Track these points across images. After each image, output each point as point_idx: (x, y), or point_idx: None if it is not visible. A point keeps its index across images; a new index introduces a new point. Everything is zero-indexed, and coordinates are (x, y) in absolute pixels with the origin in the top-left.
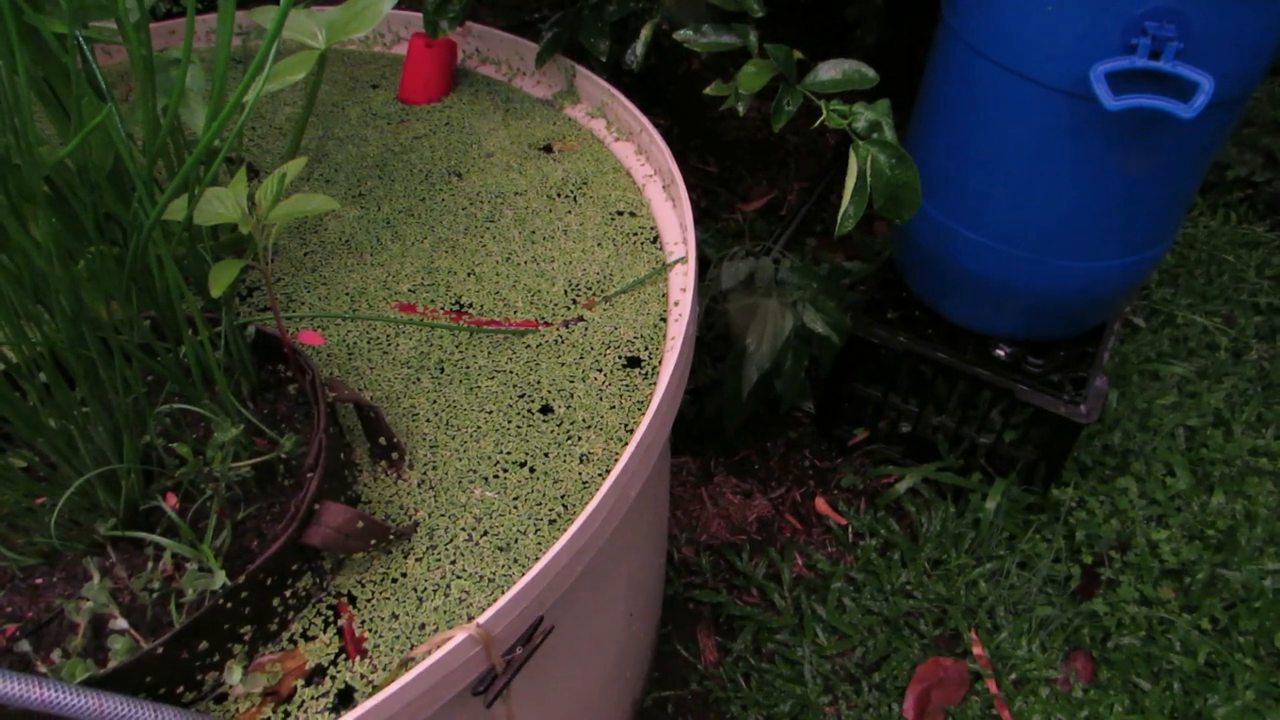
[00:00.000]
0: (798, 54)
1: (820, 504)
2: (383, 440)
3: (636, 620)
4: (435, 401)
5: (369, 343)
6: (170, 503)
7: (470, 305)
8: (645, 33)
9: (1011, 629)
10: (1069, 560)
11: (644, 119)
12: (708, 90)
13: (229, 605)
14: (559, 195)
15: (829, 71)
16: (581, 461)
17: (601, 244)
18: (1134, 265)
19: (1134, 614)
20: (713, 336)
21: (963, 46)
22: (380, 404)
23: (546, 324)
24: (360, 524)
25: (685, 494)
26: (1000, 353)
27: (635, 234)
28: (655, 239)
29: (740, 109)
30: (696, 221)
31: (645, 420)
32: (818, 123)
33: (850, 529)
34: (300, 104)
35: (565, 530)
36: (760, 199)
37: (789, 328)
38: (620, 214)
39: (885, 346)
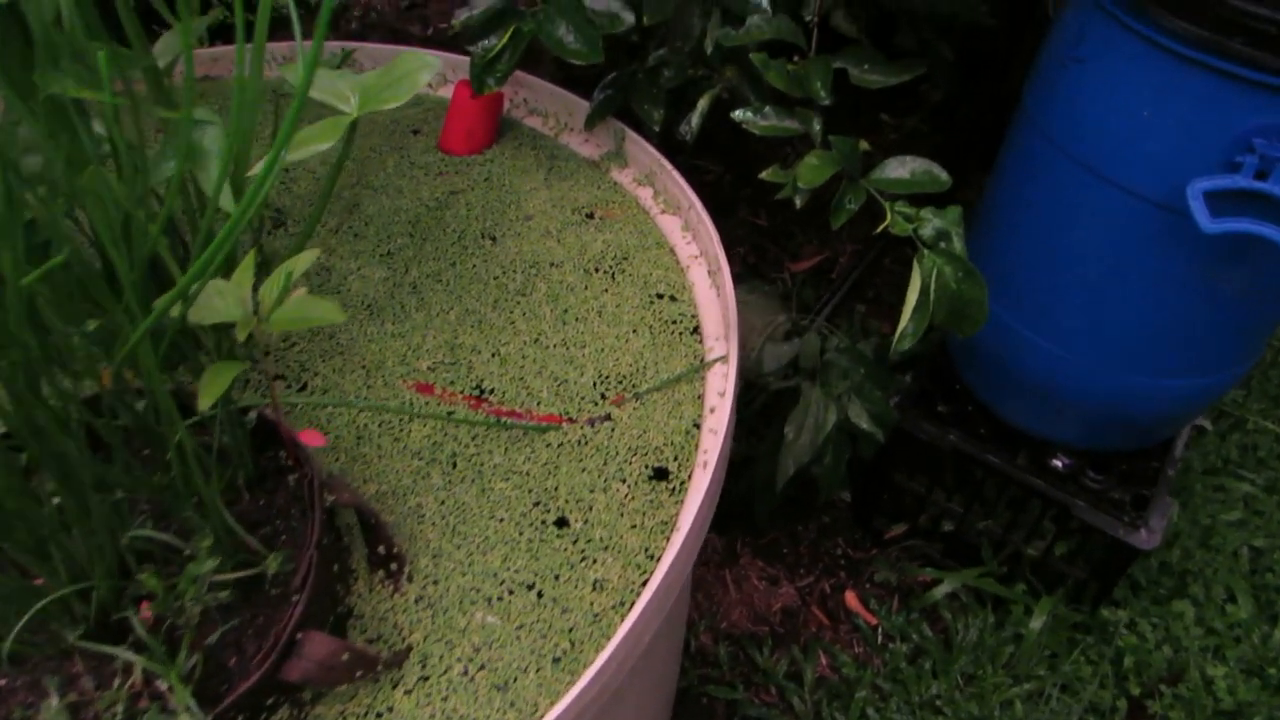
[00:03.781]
0: (864, 145)
1: (850, 598)
2: (382, 549)
3: None
4: (444, 502)
5: (380, 426)
6: (145, 614)
7: (492, 391)
8: (702, 104)
9: None
10: (1115, 688)
11: (693, 195)
12: (764, 175)
13: None
14: (597, 270)
15: (896, 170)
16: (594, 589)
17: (638, 330)
18: (1210, 386)
19: None
20: (749, 413)
21: (1043, 139)
22: (385, 499)
23: (571, 420)
24: (346, 656)
25: (708, 575)
26: (1058, 464)
27: (675, 322)
28: (695, 329)
29: (797, 202)
30: (742, 279)
31: (669, 555)
32: (881, 228)
33: (880, 630)
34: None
35: (569, 672)
36: (811, 259)
37: (831, 422)
38: (660, 297)
39: (933, 443)
